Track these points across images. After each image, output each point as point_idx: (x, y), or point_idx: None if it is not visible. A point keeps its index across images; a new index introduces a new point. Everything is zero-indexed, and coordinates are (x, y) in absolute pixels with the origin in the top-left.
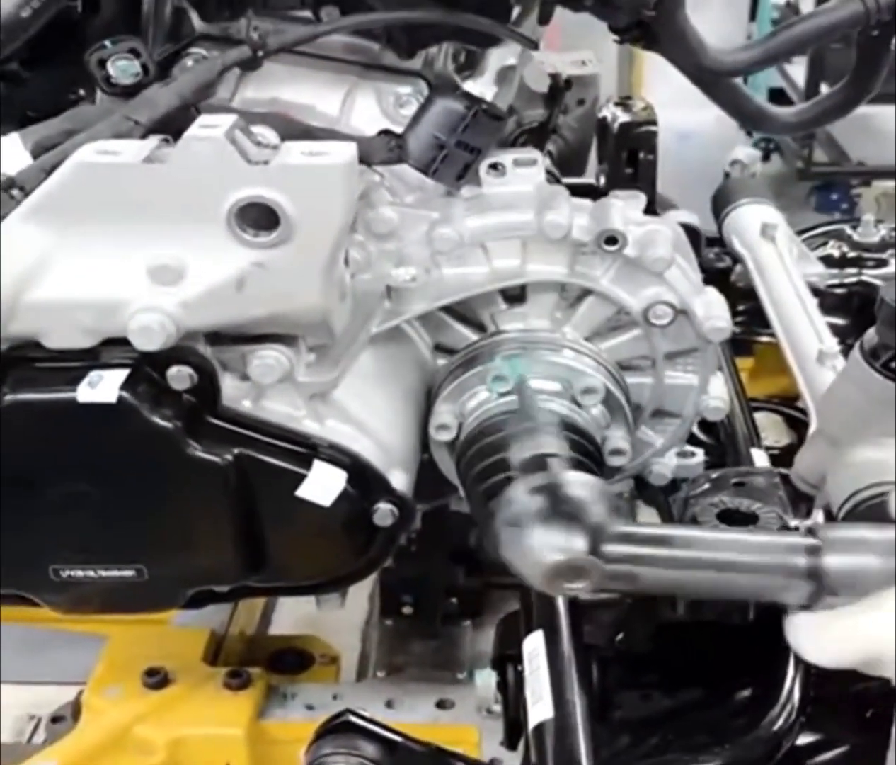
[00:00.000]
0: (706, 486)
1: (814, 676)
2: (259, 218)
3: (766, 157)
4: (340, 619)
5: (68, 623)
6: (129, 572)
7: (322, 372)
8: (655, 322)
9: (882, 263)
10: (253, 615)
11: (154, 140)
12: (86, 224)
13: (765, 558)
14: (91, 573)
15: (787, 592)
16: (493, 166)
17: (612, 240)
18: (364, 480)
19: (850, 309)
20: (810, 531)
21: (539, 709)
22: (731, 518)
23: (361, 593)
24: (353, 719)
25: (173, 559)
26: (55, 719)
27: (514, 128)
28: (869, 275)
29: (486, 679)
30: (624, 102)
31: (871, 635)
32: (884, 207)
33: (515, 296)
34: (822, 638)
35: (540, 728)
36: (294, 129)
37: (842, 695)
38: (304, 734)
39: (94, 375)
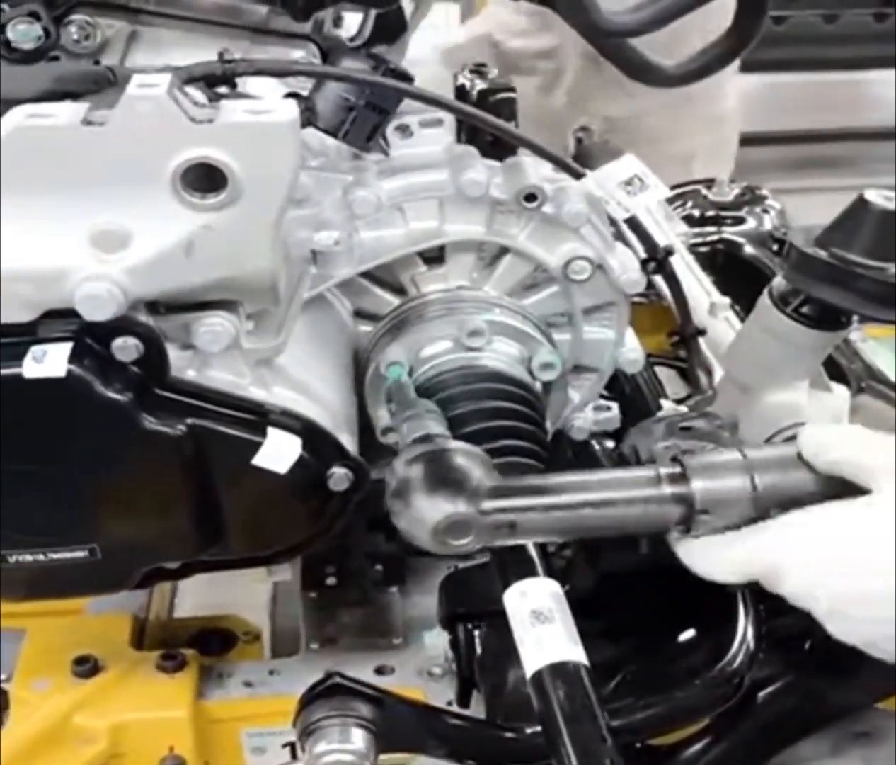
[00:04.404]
0: (658, 432)
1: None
2: (203, 179)
3: None
4: (244, 601)
5: None
6: (81, 553)
7: (266, 338)
8: (574, 278)
9: (740, 221)
10: (164, 600)
11: (85, 104)
12: (23, 192)
13: (635, 492)
14: (41, 557)
15: (661, 519)
16: (400, 128)
17: (531, 197)
18: (318, 444)
19: (716, 266)
20: (674, 460)
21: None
22: None
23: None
24: (343, 680)
25: (128, 537)
26: None
27: None
28: (729, 232)
29: (436, 639)
30: (479, 69)
31: (758, 551)
32: None
33: (434, 257)
34: (714, 557)
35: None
36: None
37: (783, 630)
38: (245, 712)
39: (36, 349)
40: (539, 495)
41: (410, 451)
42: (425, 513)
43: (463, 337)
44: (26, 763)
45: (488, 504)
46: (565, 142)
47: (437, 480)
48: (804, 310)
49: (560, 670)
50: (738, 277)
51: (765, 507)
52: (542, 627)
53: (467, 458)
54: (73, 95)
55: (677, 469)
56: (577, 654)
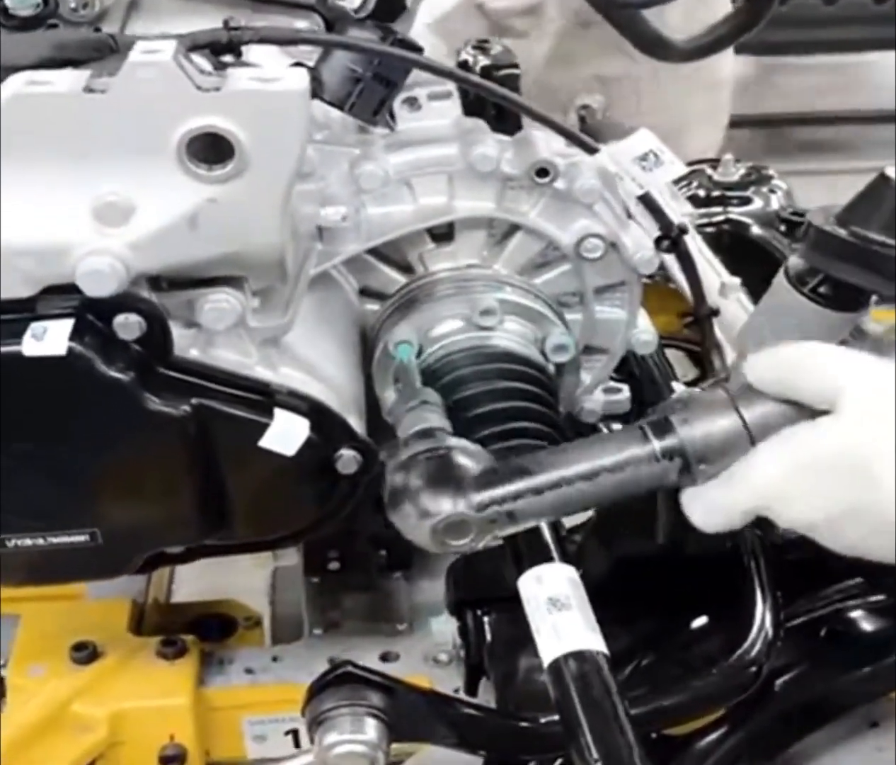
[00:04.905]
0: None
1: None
2: (209, 150)
3: None
4: (243, 585)
5: None
6: (81, 538)
7: (273, 316)
8: (587, 256)
9: (746, 201)
10: (162, 584)
11: (86, 71)
12: (22, 162)
13: (624, 454)
14: (40, 541)
15: (658, 478)
16: (408, 101)
17: (543, 171)
18: (326, 426)
19: (722, 246)
20: (659, 413)
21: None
22: None
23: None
24: (353, 669)
25: (129, 521)
26: None
27: None
28: (735, 213)
29: (443, 626)
30: (482, 45)
31: (737, 501)
32: None
33: (442, 234)
34: (708, 504)
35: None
36: None
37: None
38: (246, 699)
39: (36, 326)
40: (528, 477)
41: (405, 451)
42: (419, 521)
43: (475, 316)
44: (23, 752)
45: (478, 497)
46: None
47: (432, 482)
48: (822, 290)
49: (578, 658)
50: (744, 257)
51: (761, 438)
52: (560, 614)
53: (465, 456)
54: (74, 63)
55: (661, 418)
56: (595, 642)
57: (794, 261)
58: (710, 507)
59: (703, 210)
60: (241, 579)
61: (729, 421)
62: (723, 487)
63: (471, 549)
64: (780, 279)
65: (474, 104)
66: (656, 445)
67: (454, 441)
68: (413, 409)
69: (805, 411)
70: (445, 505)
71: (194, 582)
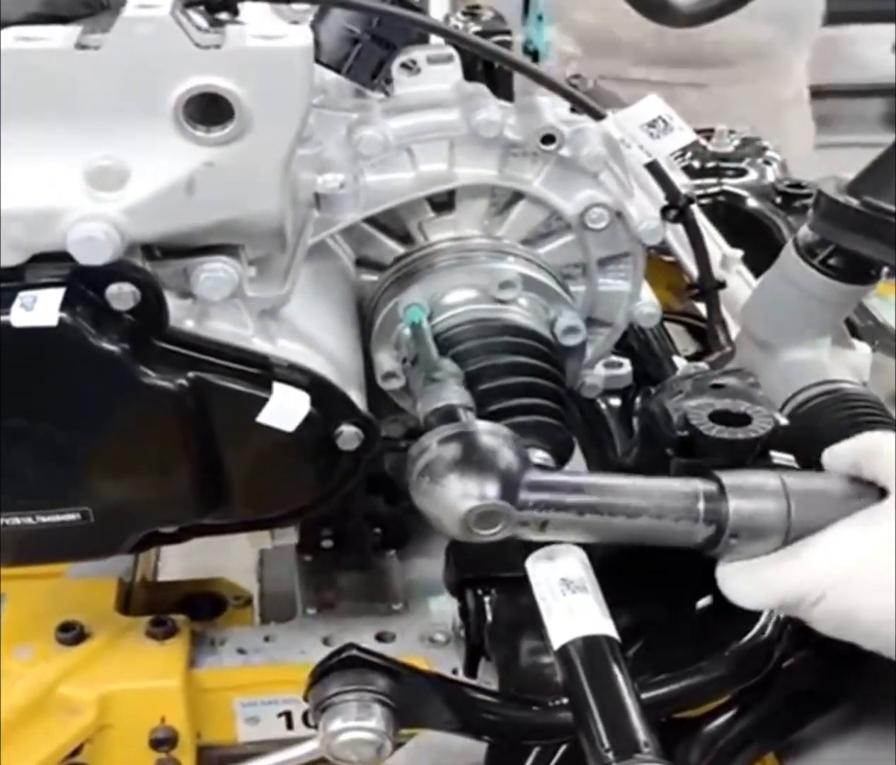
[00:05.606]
0: (686, 390)
1: None
2: (207, 111)
3: None
4: (231, 563)
5: None
6: (72, 516)
7: (271, 286)
8: (592, 226)
9: (741, 172)
10: (149, 562)
11: (77, 27)
12: (11, 123)
13: (671, 503)
14: (29, 520)
15: (692, 534)
16: (406, 64)
17: (548, 138)
18: (326, 401)
19: (717, 218)
20: (712, 477)
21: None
22: (724, 419)
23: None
24: (358, 653)
25: (123, 499)
26: None
27: None
28: (730, 184)
29: (443, 606)
30: (472, 11)
31: (793, 580)
32: None
33: (443, 203)
34: (755, 579)
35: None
36: None
37: None
38: (238, 681)
39: (25, 296)
40: (577, 495)
41: (444, 430)
42: (457, 499)
43: (492, 288)
44: (9, 735)
45: (525, 497)
46: None
47: (474, 466)
48: (832, 262)
49: (590, 642)
50: (739, 229)
51: (794, 538)
52: (574, 596)
53: (506, 444)
54: (63, 19)
55: (714, 487)
56: (607, 627)
57: (804, 231)
58: (757, 582)
59: (697, 181)
60: (227, 556)
61: (777, 509)
62: (776, 564)
63: (486, 541)
64: (788, 250)
65: (464, 70)
66: (702, 508)
67: (492, 426)
68: (435, 381)
69: None
70: (483, 494)
71: (181, 559)
